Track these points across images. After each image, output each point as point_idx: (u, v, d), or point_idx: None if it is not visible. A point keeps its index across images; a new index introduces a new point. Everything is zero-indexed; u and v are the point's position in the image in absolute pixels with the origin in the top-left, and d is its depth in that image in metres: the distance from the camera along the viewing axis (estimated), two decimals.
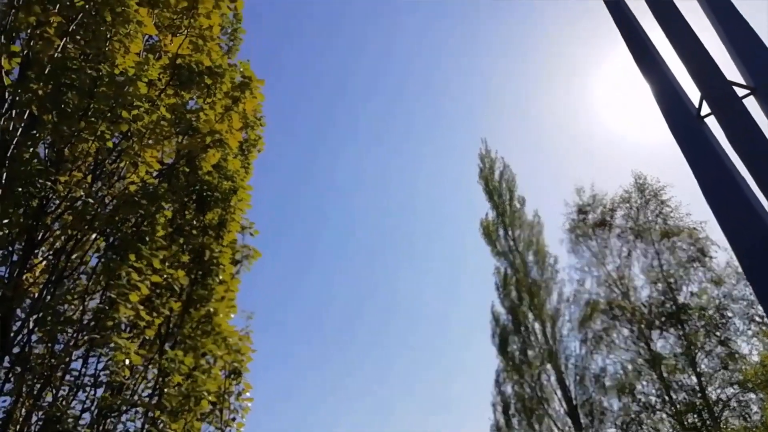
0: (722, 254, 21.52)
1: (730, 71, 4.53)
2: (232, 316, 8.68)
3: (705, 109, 4.23)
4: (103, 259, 6.98)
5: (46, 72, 5.80)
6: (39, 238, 6.53)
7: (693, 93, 4.52)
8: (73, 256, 6.81)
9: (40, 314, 5.91)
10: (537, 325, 22.85)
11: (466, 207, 41.48)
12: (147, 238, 6.84)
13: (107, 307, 6.55)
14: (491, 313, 23.88)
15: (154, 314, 7.17)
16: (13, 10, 6.07)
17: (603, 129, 35.70)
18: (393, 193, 42.93)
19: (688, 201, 22.98)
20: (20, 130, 6.26)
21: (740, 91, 4.15)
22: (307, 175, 40.56)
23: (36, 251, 6.70)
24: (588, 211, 24.29)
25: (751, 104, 4.20)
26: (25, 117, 6.28)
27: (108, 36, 5.82)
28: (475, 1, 38.94)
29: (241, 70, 8.61)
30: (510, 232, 24.62)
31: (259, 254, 9.88)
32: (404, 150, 41.21)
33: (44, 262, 6.87)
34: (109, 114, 5.83)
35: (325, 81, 39.51)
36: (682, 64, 4.67)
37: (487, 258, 24.84)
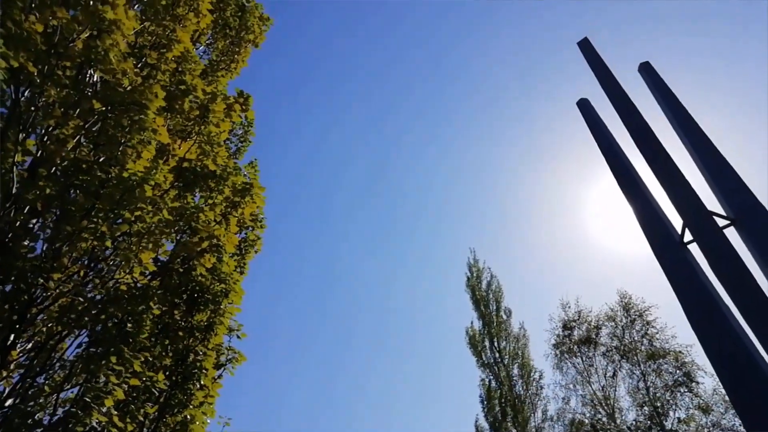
0: (709, 380, 21.26)
1: (710, 201, 4.72)
2: (209, 421, 8.33)
3: (688, 236, 4.36)
4: (84, 355, 6.78)
5: (55, 171, 5.93)
6: (20, 330, 6.38)
7: (676, 219, 4.69)
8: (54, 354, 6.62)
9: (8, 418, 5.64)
10: None
11: (454, 313, 41.18)
12: (131, 339, 6.70)
13: (79, 412, 6.27)
14: (475, 427, 23.05)
15: (128, 420, 6.86)
16: (33, 108, 6.32)
17: (595, 243, 36.35)
18: (374, 292, 42.70)
19: (674, 323, 23.05)
20: (19, 223, 6.30)
21: (721, 221, 4.32)
22: (304, 267, 40.41)
23: (16, 343, 6.52)
24: (573, 327, 24.18)
25: (732, 234, 4.34)
26: (26, 211, 6.35)
27: (122, 141, 6.02)
28: (474, 118, 40.95)
29: (245, 173, 8.86)
30: (496, 344, 24.31)
31: (244, 358, 9.64)
32: (398, 255, 41.51)
33: (22, 356, 6.66)
34: (111, 215, 5.91)
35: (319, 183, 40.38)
36: (665, 192, 4.88)
37: (471, 367, 24.31)
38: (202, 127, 8.06)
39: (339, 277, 41.61)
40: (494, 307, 25.09)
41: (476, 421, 23.10)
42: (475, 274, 26.34)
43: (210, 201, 7.93)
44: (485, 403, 23.09)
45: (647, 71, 5.91)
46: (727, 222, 4.37)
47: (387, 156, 42.26)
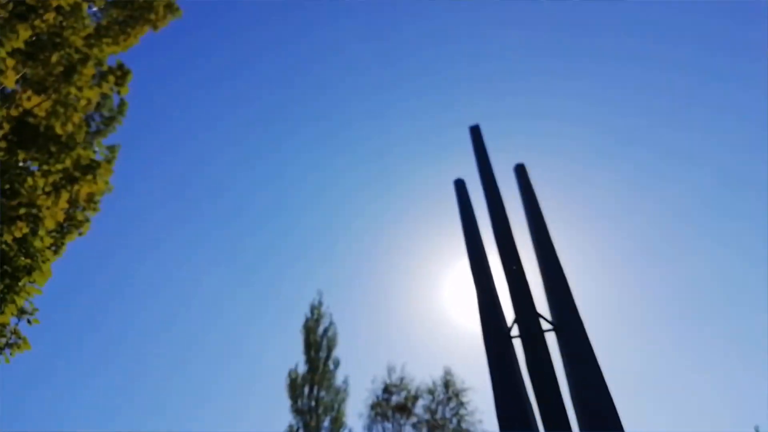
0: None
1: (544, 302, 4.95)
2: None
3: (515, 332, 4.54)
4: None
5: None
6: None
7: (510, 313, 4.87)
8: None
9: None
10: None
11: (282, 352, 40.07)
12: None
13: None
14: None
15: None
16: None
17: (448, 318, 37.53)
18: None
19: (485, 409, 24.24)
20: None
21: (546, 325, 4.56)
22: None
23: None
24: (393, 392, 24.57)
25: (552, 340, 4.57)
26: None
27: None
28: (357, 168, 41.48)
29: (97, 150, 8.05)
30: (315, 392, 23.93)
31: (28, 346, 8.48)
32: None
33: None
34: None
35: None
36: (508, 287, 5.09)
37: (284, 412, 23.63)
38: (63, 85, 7.25)
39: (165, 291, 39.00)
40: (325, 355, 24.85)
41: None
42: (315, 317, 26.05)
43: (45, 167, 7.06)
44: None
45: (520, 173, 6.18)
46: (550, 327, 4.61)
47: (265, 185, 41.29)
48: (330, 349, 25.35)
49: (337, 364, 24.97)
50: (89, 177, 7.23)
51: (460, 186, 6.10)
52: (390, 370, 24.99)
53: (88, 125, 8.58)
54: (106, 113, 9.24)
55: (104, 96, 8.86)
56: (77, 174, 7.13)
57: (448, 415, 24.16)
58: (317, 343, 25.52)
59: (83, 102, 7.49)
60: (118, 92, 9.02)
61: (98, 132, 9.30)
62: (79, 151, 7.11)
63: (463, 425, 23.49)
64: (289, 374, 24.39)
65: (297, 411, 23.44)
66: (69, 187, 7.01)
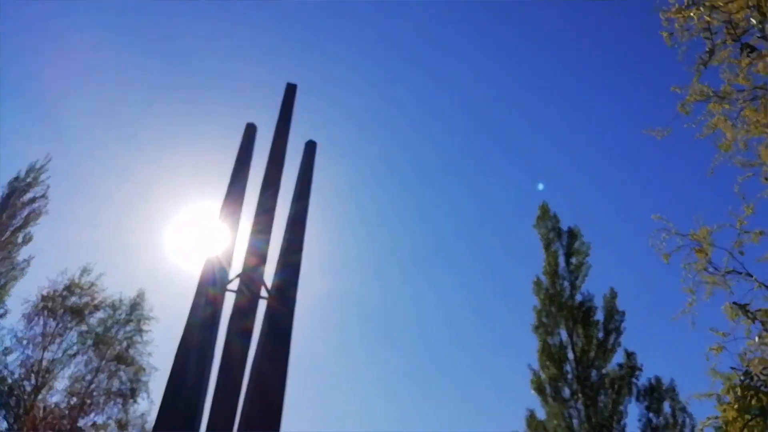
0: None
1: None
2: None
3: (234, 285, 4.69)
4: None
5: None
6: None
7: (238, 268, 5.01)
8: None
9: None
10: None
11: None
12: None
13: None
14: None
15: None
16: None
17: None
18: None
19: (164, 342, 23.70)
20: None
21: (264, 293, 4.80)
22: None
23: None
24: (75, 293, 22.77)
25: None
26: None
27: None
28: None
29: None
30: None
31: None
32: None
33: None
34: None
35: None
36: (248, 239, 5.18)
37: None
38: None
39: None
40: (19, 223, 21.90)
41: None
42: (28, 179, 22.84)
43: None
44: None
45: (308, 149, 6.23)
46: (266, 296, 4.85)
47: None
48: (28, 222, 22.48)
49: (27, 239, 22.24)
50: None
51: (250, 130, 6.01)
52: (84, 271, 23.10)
53: None
54: None
55: None
56: None
57: (120, 335, 23.17)
58: (16, 207, 22.43)
59: None
60: None
61: None
62: None
63: (131, 351, 22.75)
64: None
65: None
66: None
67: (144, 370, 22.55)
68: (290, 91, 6.34)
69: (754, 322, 6.12)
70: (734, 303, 6.36)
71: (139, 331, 23.41)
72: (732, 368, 5.99)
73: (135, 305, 23.61)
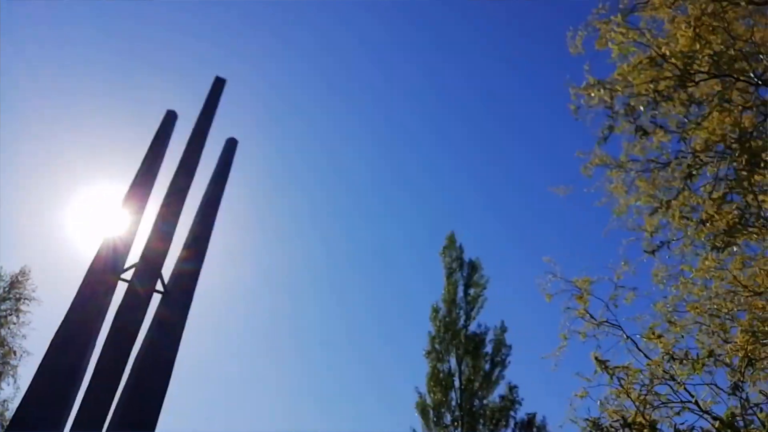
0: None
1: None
2: None
3: (127, 276, 4.57)
4: None
5: None
6: None
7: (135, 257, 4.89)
8: None
9: None
10: None
11: None
12: None
13: None
14: None
15: None
16: None
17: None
18: None
19: (43, 325, 22.15)
20: None
21: (160, 286, 4.71)
22: None
23: None
24: None
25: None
26: None
27: None
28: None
29: None
30: None
31: None
32: None
33: None
34: None
35: None
36: (151, 228, 5.08)
37: None
38: None
39: None
40: None
41: None
42: None
43: None
44: None
45: (228, 146, 6.23)
46: (162, 290, 4.78)
47: None
48: None
49: None
50: None
51: (170, 117, 5.95)
52: None
53: None
54: None
55: None
56: None
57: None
58: None
59: None
60: None
61: None
62: None
63: (2, 331, 21.05)
64: None
65: None
66: None
67: (14, 353, 20.91)
68: (218, 84, 6.32)
69: (612, 379, 6.78)
70: (596, 357, 7.01)
71: (17, 310, 21.76)
72: (585, 419, 6.60)
73: (15, 283, 21.95)
